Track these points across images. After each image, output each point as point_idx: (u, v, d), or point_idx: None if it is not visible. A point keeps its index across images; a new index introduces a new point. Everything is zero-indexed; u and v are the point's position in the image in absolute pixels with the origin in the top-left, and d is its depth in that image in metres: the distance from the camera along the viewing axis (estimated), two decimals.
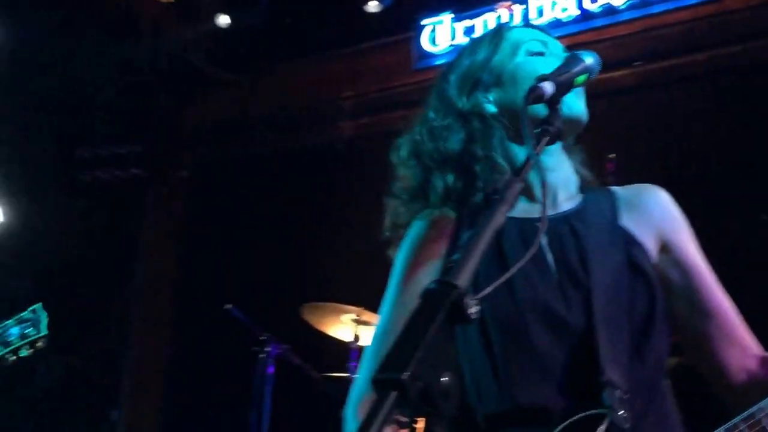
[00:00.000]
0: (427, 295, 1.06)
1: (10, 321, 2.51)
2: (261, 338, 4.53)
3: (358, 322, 4.52)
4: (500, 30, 1.74)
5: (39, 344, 2.52)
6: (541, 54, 1.66)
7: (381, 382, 0.95)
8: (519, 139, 1.62)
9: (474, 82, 1.68)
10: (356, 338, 4.49)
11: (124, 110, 6.26)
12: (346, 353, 4.52)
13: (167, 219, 6.27)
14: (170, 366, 5.96)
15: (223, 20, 5.66)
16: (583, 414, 1.36)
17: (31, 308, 2.55)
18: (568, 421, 1.38)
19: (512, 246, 1.53)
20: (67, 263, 6.40)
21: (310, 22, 5.71)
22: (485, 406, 1.47)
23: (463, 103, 1.67)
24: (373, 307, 4.53)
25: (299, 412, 5.21)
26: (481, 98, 1.66)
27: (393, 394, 0.93)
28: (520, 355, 1.45)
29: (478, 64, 1.69)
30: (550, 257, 1.53)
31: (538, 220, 1.55)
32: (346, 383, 4.42)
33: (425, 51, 5.58)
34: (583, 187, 1.68)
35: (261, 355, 4.55)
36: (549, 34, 1.73)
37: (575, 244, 1.54)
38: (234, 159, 6.32)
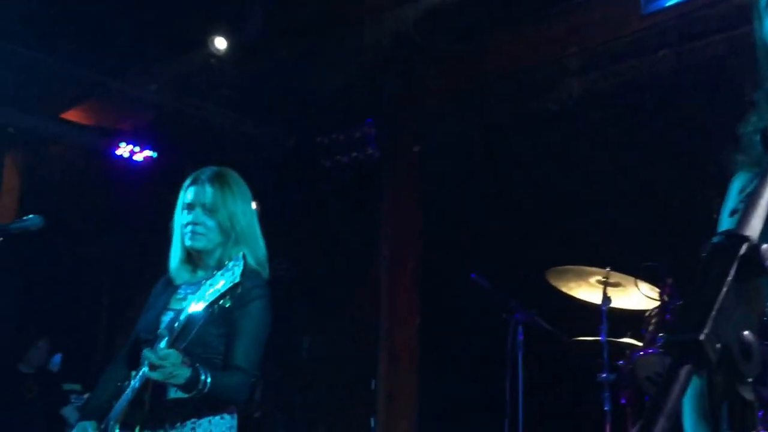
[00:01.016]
0: (713, 249, 0.98)
1: (218, 273, 2.47)
2: (508, 305, 4.56)
3: (606, 283, 4.40)
4: None
5: (237, 291, 2.44)
6: None
7: (676, 344, 0.90)
8: None
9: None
10: (608, 300, 4.36)
11: (356, 95, 6.54)
12: (595, 316, 4.41)
13: (406, 194, 6.47)
14: (422, 336, 6.17)
15: None
16: None
17: (235, 258, 2.48)
18: None
19: None
20: (319, 245, 6.86)
21: None
22: None
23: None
24: (620, 268, 4.39)
25: (551, 376, 5.19)
26: None
27: (691, 356, 0.89)
28: None
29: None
30: None
31: None
32: (597, 346, 4.33)
33: None
34: None
35: (510, 322, 4.59)
36: None
37: None
38: (463, 129, 6.37)
